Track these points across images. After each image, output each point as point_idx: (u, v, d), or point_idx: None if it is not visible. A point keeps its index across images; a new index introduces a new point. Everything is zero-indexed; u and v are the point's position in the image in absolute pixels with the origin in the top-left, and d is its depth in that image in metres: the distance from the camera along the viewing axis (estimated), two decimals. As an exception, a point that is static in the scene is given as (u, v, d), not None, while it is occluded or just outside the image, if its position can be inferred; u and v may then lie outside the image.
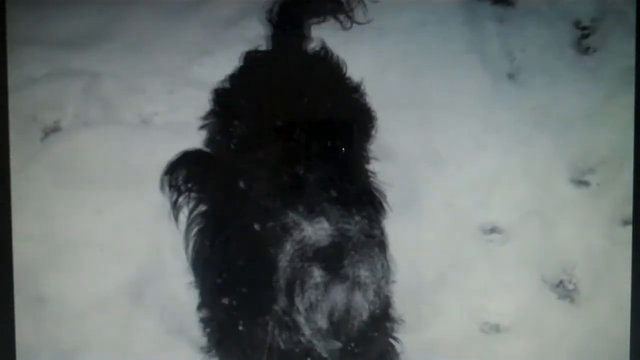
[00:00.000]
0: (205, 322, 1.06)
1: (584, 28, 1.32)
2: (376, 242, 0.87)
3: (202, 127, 1.16)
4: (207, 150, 1.01)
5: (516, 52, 1.33)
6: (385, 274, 0.89)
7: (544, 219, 1.26)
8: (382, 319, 1.03)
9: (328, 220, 0.82)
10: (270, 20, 1.22)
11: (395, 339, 1.09)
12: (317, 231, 0.80)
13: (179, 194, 0.95)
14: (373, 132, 1.18)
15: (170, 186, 0.94)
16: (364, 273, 0.84)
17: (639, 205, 1.08)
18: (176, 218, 0.96)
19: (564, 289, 1.23)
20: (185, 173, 0.94)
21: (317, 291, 0.83)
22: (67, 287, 1.22)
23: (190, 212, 0.97)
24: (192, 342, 1.16)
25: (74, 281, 1.22)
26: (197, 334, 1.10)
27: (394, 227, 1.07)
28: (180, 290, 1.09)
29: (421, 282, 1.22)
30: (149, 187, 1.00)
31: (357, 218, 0.85)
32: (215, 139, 1.11)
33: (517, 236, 1.25)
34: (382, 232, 0.95)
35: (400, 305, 1.10)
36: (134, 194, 1.25)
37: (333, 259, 0.81)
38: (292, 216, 0.83)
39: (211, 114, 1.15)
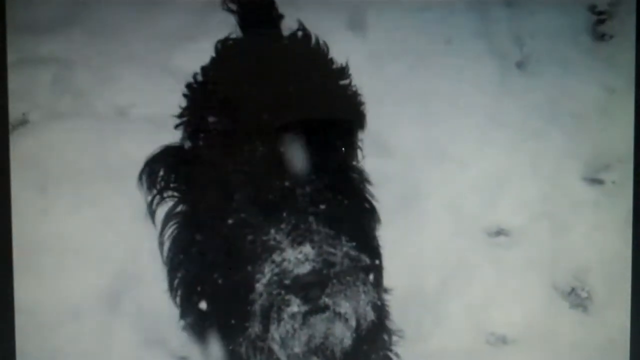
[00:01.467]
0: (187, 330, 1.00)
1: (600, 13, 1.26)
2: (362, 268, 0.83)
3: (177, 126, 1.09)
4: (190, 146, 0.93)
5: (526, 38, 1.26)
6: (370, 299, 0.85)
7: (555, 221, 1.20)
8: (378, 331, 0.98)
9: (312, 242, 0.79)
10: (231, 10, 1.16)
11: (393, 352, 1.04)
12: (298, 256, 0.77)
13: (157, 192, 0.92)
14: (364, 122, 1.10)
15: (148, 183, 0.91)
16: (345, 304, 0.82)
17: (639, 206, 1.08)
18: (152, 218, 0.94)
19: (577, 297, 1.18)
20: (165, 170, 0.90)
21: (293, 321, 0.80)
22: (39, 294, 1.15)
23: (168, 213, 0.94)
24: (171, 353, 1.12)
25: (45, 288, 1.16)
26: (176, 343, 1.08)
27: (392, 230, 1.04)
28: (159, 297, 1.03)
29: (422, 290, 1.17)
30: (127, 185, 0.98)
31: (344, 241, 0.81)
32: (191, 139, 1.03)
33: (526, 239, 1.20)
34: (374, 251, 0.91)
35: (400, 315, 1.06)
36: (110, 193, 1.18)
37: (313, 289, 0.79)
38: (273, 234, 0.78)
39: (186, 110, 1.08)
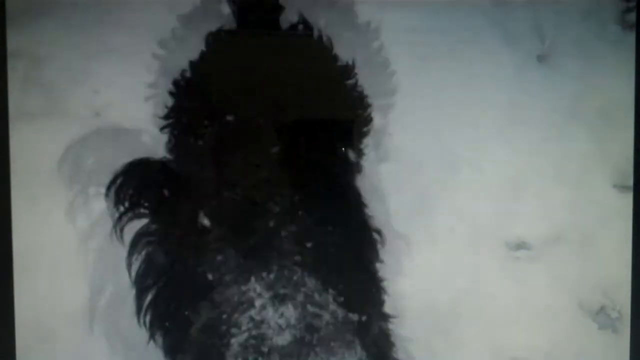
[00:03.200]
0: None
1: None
2: (350, 329, 0.76)
3: (163, 129, 1.01)
4: (164, 160, 0.90)
5: (548, 28, 1.14)
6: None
7: (582, 232, 1.10)
8: None
9: (294, 300, 0.73)
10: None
11: None
12: (278, 320, 0.71)
13: (125, 209, 0.90)
14: (368, 121, 1.03)
15: (116, 199, 0.90)
16: None
17: (639, 207, 1.05)
18: (119, 237, 0.93)
19: (606, 317, 1.08)
20: (136, 186, 0.88)
21: None
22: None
23: (139, 232, 0.90)
24: None
25: (17, 309, 1.06)
26: None
27: (399, 243, 1.04)
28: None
29: (433, 309, 1.07)
30: (109, 198, 0.97)
31: (330, 302, 0.76)
32: (178, 144, 0.97)
33: (549, 253, 1.10)
34: (369, 304, 0.86)
35: (408, 339, 1.02)
36: (85, 203, 1.07)
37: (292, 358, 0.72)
38: (254, 284, 0.72)
39: (172, 111, 0.99)
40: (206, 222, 0.76)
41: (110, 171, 1.00)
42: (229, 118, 0.85)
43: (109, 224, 1.00)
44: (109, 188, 0.86)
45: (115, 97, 1.12)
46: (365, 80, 1.03)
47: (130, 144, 1.08)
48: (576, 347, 1.06)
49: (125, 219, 0.86)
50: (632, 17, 1.11)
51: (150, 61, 1.15)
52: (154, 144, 1.05)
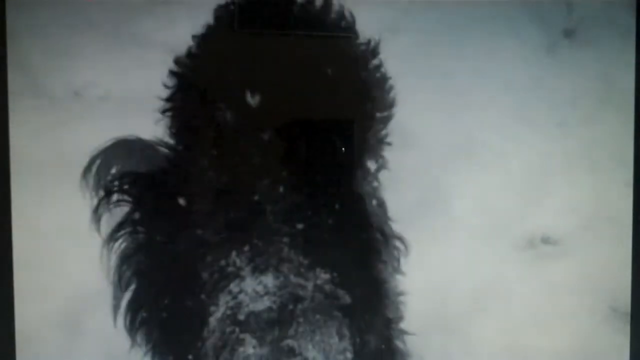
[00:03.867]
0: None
1: None
2: (339, 307, 0.74)
3: (165, 111, 0.95)
4: (148, 139, 0.86)
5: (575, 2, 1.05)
6: (347, 346, 0.76)
7: (612, 226, 1.02)
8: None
9: (276, 271, 0.71)
10: None
11: None
12: (256, 287, 0.71)
13: (105, 194, 0.86)
14: (390, 104, 0.96)
15: (94, 182, 0.87)
16: (312, 351, 0.73)
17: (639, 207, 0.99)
18: (97, 225, 0.89)
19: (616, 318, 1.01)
20: (116, 168, 0.84)
21: None
22: None
23: (119, 221, 0.86)
24: None
25: None
26: None
27: (410, 237, 0.97)
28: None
29: (449, 311, 1.00)
30: (87, 183, 0.94)
31: (318, 272, 0.74)
32: (178, 132, 0.91)
33: (576, 249, 1.02)
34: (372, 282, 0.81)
35: (420, 341, 0.96)
36: (67, 193, 0.99)
37: (272, 328, 0.71)
38: (234, 258, 0.71)
39: (176, 93, 0.94)
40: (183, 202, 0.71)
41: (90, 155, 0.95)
42: (249, 99, 0.81)
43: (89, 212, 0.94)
44: (86, 170, 0.82)
45: (97, 75, 1.05)
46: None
47: (113, 125, 1.00)
48: (606, 351, 0.99)
49: (104, 205, 0.83)
50: None
51: (137, 33, 1.08)
52: (139, 125, 0.96)
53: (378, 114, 0.95)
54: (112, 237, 0.84)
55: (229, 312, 0.71)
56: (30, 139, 1.02)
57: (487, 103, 1.02)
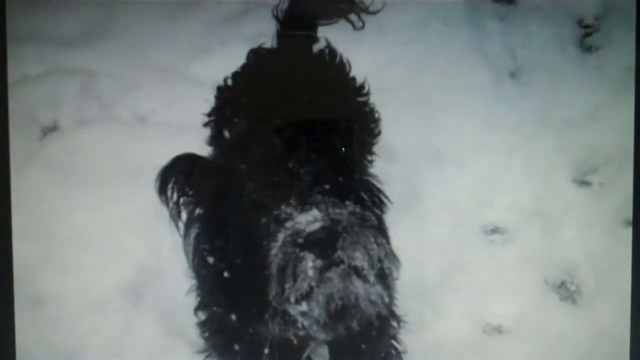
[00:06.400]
0: (204, 324, 1.06)
1: (587, 26, 1.31)
2: (371, 225, 0.85)
3: (206, 124, 1.15)
4: (199, 154, 0.98)
5: (518, 50, 1.32)
6: (386, 253, 0.86)
7: (546, 220, 1.25)
8: (384, 318, 1.02)
9: (318, 208, 0.83)
10: (277, 17, 1.19)
11: (397, 340, 1.09)
12: (308, 218, 0.81)
13: (175, 200, 0.95)
14: (377, 133, 1.16)
15: (165, 193, 0.94)
16: (359, 255, 0.82)
17: (639, 206, 1.10)
18: (176, 224, 0.97)
19: (566, 291, 1.23)
20: (179, 179, 0.95)
21: (310, 277, 0.81)
22: (65, 287, 1.21)
23: (189, 216, 0.97)
24: (190, 344, 1.15)
25: (72, 281, 1.22)
26: (195, 335, 1.11)
27: (395, 228, 1.05)
28: (179, 291, 1.09)
29: (423, 284, 1.21)
30: (147, 187, 1.02)
31: (348, 204, 0.85)
32: (217, 136, 1.10)
33: (519, 237, 1.25)
34: (380, 221, 0.93)
35: (403, 307, 1.10)
36: (131, 193, 1.24)
37: (325, 243, 0.80)
38: (284, 209, 0.83)
39: (214, 110, 1.14)
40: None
41: (151, 166, 1.12)
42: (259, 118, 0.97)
43: (149, 209, 1.06)
44: (158, 182, 0.93)
45: (156, 105, 1.31)
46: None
47: (168, 143, 1.23)
48: (541, 315, 1.20)
49: (177, 207, 0.93)
50: (589, 41, 1.29)
51: (187, 74, 1.34)
52: (188, 142, 1.20)
53: (373, 140, 1.17)
54: (188, 227, 0.95)
55: (289, 239, 0.80)
56: (107, 154, 1.28)
57: (452, 127, 1.27)
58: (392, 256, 0.88)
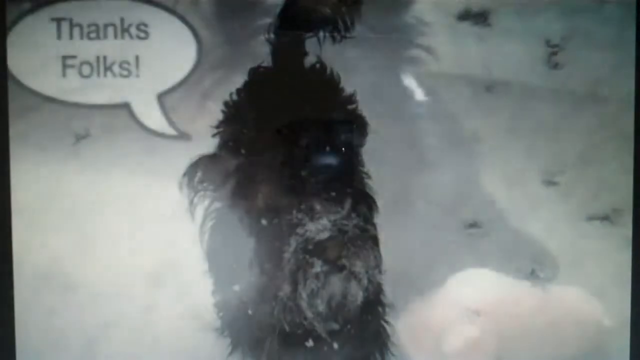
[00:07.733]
0: (219, 306, 1.22)
1: (554, 46, 1.40)
2: (369, 236, 1.02)
3: (214, 135, 1.30)
4: (221, 154, 1.14)
5: (494, 67, 1.43)
6: (377, 264, 1.04)
7: (518, 215, 1.38)
8: (375, 304, 1.20)
9: (328, 217, 0.97)
10: (268, 40, 1.31)
11: (386, 322, 1.25)
12: (318, 227, 0.96)
13: (195, 193, 1.11)
14: (365, 137, 1.30)
15: (188, 186, 1.09)
16: (358, 263, 0.99)
17: (639, 206, 1.21)
18: (192, 214, 1.12)
19: (536, 278, 1.36)
20: (201, 174, 1.10)
21: (317, 281, 0.97)
22: (95, 275, 1.35)
23: (206, 209, 1.12)
24: (206, 324, 1.28)
25: (101, 269, 1.35)
26: (210, 317, 1.26)
27: (385, 224, 1.24)
28: (196, 278, 1.25)
29: (411, 272, 1.33)
30: (167, 187, 1.21)
31: (353, 216, 1.00)
32: (226, 145, 1.25)
33: (494, 231, 1.37)
34: (375, 228, 1.11)
35: (391, 293, 1.28)
36: (154, 193, 1.35)
37: (331, 251, 0.96)
38: (295, 214, 0.98)
39: (222, 123, 1.29)
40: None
41: (172, 169, 1.27)
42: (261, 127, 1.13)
43: (170, 206, 1.27)
44: (184, 177, 1.06)
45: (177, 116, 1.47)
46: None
47: (186, 150, 1.34)
48: (514, 300, 1.33)
49: (196, 200, 1.07)
50: (555, 59, 1.42)
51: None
52: (204, 150, 1.37)
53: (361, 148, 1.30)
54: (205, 218, 1.11)
55: (300, 245, 0.93)
56: (131, 158, 1.39)
57: (434, 135, 1.39)
58: (381, 262, 1.04)
